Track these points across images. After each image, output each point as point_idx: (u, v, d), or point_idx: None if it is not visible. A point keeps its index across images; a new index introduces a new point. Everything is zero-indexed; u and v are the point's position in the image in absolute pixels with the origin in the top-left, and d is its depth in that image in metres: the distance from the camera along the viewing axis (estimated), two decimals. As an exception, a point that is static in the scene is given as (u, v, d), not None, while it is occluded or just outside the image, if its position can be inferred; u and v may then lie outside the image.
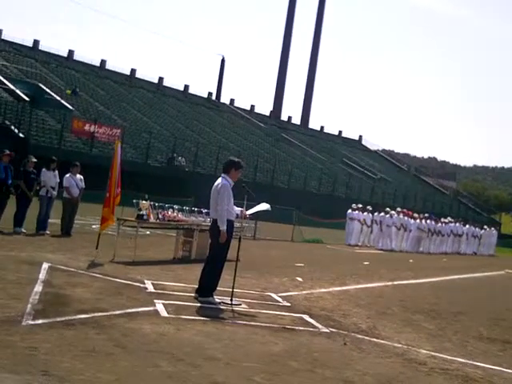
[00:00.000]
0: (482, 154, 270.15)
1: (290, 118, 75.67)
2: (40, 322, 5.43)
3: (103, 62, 57.59)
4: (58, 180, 13.36)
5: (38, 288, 6.92)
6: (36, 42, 52.64)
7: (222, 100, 68.88)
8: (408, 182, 68.69)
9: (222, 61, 75.17)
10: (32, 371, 4.07)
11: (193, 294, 7.61)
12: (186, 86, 63.21)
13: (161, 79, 61.29)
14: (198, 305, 7.23)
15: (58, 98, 38.06)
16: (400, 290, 11.25)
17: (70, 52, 55.03)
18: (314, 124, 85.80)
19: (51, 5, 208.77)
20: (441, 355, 6.14)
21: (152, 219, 10.99)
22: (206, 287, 7.54)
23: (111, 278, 8.31)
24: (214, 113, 59.40)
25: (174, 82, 74.06)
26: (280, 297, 8.55)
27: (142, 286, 8.01)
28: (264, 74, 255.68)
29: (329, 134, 77.57)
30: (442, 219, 29.42)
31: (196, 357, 4.93)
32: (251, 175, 38.22)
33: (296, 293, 9.22)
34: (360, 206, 25.80)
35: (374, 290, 10.95)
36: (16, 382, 3.86)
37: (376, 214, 25.63)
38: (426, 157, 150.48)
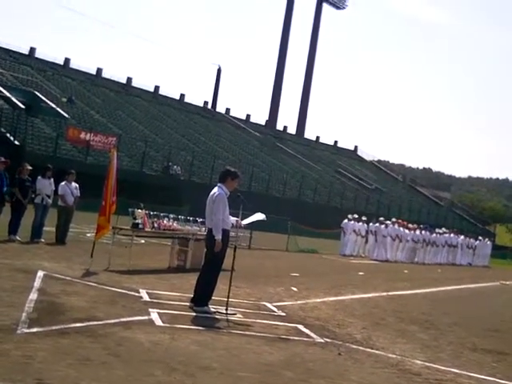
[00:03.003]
0: (477, 166, 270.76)
1: (285, 127, 75.88)
2: (35, 330, 5.42)
3: (99, 70, 57.62)
4: (54, 188, 13.35)
5: (33, 296, 6.91)
6: (32, 50, 52.64)
7: (218, 109, 69.00)
8: (403, 192, 68.89)
9: (219, 70, 75.38)
10: (26, 379, 4.06)
11: (188, 304, 7.60)
12: (182, 95, 63.36)
13: (157, 88, 61.40)
14: (193, 314, 7.22)
15: (54, 105, 38.12)
16: (395, 301, 11.25)
17: (66, 60, 55.06)
18: (309, 134, 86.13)
19: (48, 12, 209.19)
20: (435, 366, 6.14)
21: (148, 228, 10.99)
22: (201, 297, 7.53)
23: (106, 286, 8.30)
24: (210, 122, 59.54)
25: (170, 90, 74.15)
26: (275, 306, 8.55)
27: (136, 294, 8.00)
28: (260, 84, 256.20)
29: (324, 143, 77.77)
30: (437, 230, 29.49)
31: (191, 366, 4.93)
32: (246, 184, 38.26)
33: (291, 302, 9.22)
34: (355, 216, 25.86)
35: (368, 300, 10.95)
36: (10, 391, 3.86)
37: (371, 224, 25.68)
38: (420, 167, 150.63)
